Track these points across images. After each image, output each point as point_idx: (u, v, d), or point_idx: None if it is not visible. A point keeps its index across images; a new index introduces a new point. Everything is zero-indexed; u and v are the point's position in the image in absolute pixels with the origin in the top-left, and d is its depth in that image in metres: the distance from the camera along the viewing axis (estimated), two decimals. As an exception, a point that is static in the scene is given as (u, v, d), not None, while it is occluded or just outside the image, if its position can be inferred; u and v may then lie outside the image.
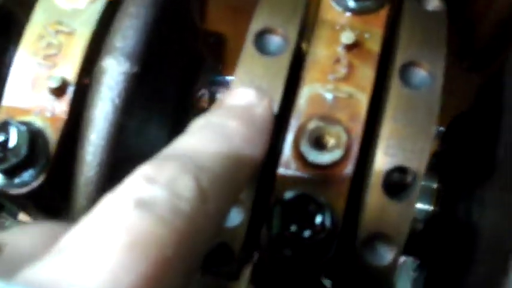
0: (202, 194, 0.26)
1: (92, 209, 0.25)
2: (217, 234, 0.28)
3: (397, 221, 0.38)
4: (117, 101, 0.40)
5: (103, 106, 0.40)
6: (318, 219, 0.36)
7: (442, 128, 0.68)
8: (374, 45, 0.43)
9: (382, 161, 0.39)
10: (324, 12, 0.45)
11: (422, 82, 0.41)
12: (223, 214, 0.29)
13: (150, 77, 0.45)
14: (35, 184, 0.43)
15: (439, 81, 0.41)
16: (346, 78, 0.42)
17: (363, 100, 0.41)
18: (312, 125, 0.40)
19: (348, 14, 0.45)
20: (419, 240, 0.56)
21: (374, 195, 0.38)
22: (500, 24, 0.63)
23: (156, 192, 0.25)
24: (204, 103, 0.76)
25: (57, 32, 0.44)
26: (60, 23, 0.44)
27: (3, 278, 0.21)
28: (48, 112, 0.43)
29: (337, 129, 0.40)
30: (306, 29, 0.46)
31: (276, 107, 0.40)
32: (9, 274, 0.21)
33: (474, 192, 0.50)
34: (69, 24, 0.44)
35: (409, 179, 0.39)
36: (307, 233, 0.36)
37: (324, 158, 0.39)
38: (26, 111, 0.43)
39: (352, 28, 0.44)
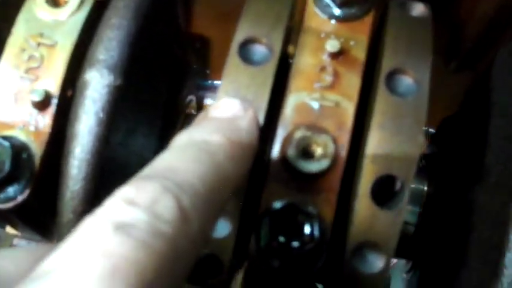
0: (183, 215, 0.26)
1: (73, 232, 0.24)
2: (199, 251, 0.28)
3: (386, 230, 0.38)
4: (101, 114, 0.40)
5: (87, 120, 0.39)
6: (307, 229, 0.36)
7: (431, 130, 0.69)
8: (359, 52, 0.43)
9: (370, 169, 0.39)
10: (308, 20, 0.45)
11: (409, 90, 0.41)
12: (206, 232, 0.29)
13: (134, 87, 0.45)
14: (20, 199, 0.43)
15: (426, 88, 0.41)
16: (332, 87, 0.42)
17: (349, 108, 0.41)
18: (298, 134, 0.40)
19: (333, 21, 0.45)
20: (411, 243, 0.56)
21: (362, 204, 0.38)
22: (487, 25, 0.63)
23: (136, 215, 0.25)
24: (191, 109, 0.76)
25: (39, 44, 0.43)
26: (41, 35, 0.43)
27: None
28: (32, 126, 0.42)
29: (324, 139, 0.40)
30: (292, 37, 0.46)
31: (262, 117, 0.40)
32: None
33: (464, 194, 0.50)
34: (50, 36, 0.43)
35: (397, 187, 0.39)
36: (295, 244, 0.36)
37: (311, 167, 0.39)
38: (9, 126, 0.43)
39: (337, 36, 0.44)
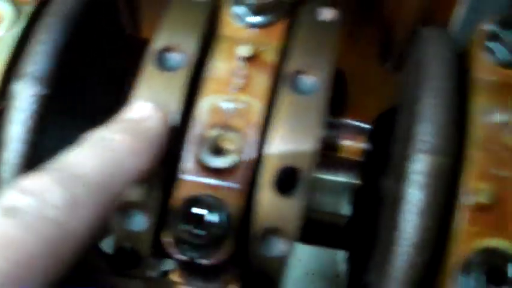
0: (73, 201, 0.30)
1: None
2: (100, 235, 0.32)
3: (288, 215, 0.42)
4: (29, 122, 0.43)
5: (16, 128, 0.43)
6: (212, 218, 0.40)
7: (368, 126, 0.72)
8: (269, 56, 0.47)
9: (272, 161, 0.42)
10: (223, 27, 0.49)
11: (310, 88, 0.45)
12: (101, 216, 0.32)
13: (69, 95, 0.48)
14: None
15: (326, 87, 0.45)
16: (243, 89, 0.46)
17: (258, 107, 0.45)
18: (210, 133, 0.44)
19: (246, 28, 0.49)
20: (344, 234, 0.60)
21: (265, 193, 0.42)
22: (411, 28, 0.67)
23: (27, 201, 0.28)
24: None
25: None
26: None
27: None
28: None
29: (233, 136, 0.43)
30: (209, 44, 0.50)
31: (174, 119, 0.43)
32: None
33: (383, 184, 0.53)
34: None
35: (298, 177, 0.42)
36: (201, 232, 0.39)
37: (221, 162, 0.43)
38: None
39: (249, 41, 0.48)
